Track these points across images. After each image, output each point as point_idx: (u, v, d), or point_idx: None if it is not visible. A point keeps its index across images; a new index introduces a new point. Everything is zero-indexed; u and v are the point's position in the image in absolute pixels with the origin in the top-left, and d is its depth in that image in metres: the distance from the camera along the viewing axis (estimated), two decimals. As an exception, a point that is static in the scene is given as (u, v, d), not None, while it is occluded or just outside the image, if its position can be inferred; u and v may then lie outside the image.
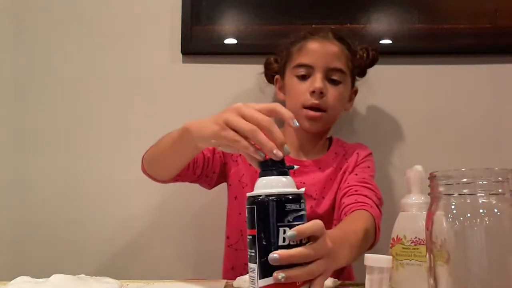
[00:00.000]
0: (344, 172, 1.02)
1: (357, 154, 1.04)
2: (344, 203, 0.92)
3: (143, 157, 0.93)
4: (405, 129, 1.23)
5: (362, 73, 1.13)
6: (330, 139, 1.11)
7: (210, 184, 1.04)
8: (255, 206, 0.57)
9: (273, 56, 1.13)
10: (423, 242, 0.64)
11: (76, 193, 1.23)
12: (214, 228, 1.20)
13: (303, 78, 1.00)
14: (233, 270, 1.04)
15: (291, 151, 1.08)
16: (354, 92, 1.11)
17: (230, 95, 1.23)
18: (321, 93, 0.97)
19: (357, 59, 1.08)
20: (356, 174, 0.99)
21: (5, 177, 1.24)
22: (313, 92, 0.98)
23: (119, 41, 1.26)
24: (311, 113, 0.99)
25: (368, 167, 1.03)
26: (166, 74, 1.25)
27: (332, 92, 0.99)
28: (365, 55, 1.10)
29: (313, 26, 1.10)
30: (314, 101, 0.98)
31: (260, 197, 0.56)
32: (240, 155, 0.75)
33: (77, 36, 1.26)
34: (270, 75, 1.15)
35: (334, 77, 1.00)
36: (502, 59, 1.22)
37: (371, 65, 1.12)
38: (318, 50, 1.00)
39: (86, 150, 1.24)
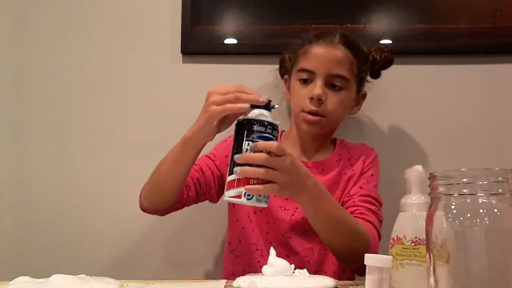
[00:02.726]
0: (349, 180, 1.03)
1: (363, 161, 1.04)
2: None
3: (140, 195, 0.95)
4: (404, 129, 1.23)
5: (375, 75, 1.12)
6: (335, 140, 1.11)
7: (212, 199, 1.04)
8: (236, 127, 0.77)
9: (287, 54, 1.12)
10: (423, 242, 0.64)
11: (76, 193, 1.23)
12: (215, 230, 1.20)
13: (305, 82, 1.01)
14: (234, 275, 1.04)
15: (293, 153, 1.08)
16: (362, 96, 1.10)
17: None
18: (320, 100, 0.98)
19: (369, 62, 1.07)
20: (361, 187, 1.00)
21: (5, 177, 1.24)
22: (312, 98, 0.98)
23: (119, 41, 1.26)
24: (309, 117, 1.00)
25: (372, 175, 1.03)
26: (166, 74, 1.25)
27: (332, 99, 1.00)
28: (378, 57, 1.09)
29: (321, 28, 1.08)
30: (312, 107, 0.99)
31: (240, 120, 0.77)
32: None
33: (77, 36, 1.27)
34: (282, 73, 1.15)
35: (336, 83, 1.00)
36: (502, 59, 1.22)
37: (385, 67, 1.11)
38: (321, 56, 1.00)
39: (86, 149, 1.24)
